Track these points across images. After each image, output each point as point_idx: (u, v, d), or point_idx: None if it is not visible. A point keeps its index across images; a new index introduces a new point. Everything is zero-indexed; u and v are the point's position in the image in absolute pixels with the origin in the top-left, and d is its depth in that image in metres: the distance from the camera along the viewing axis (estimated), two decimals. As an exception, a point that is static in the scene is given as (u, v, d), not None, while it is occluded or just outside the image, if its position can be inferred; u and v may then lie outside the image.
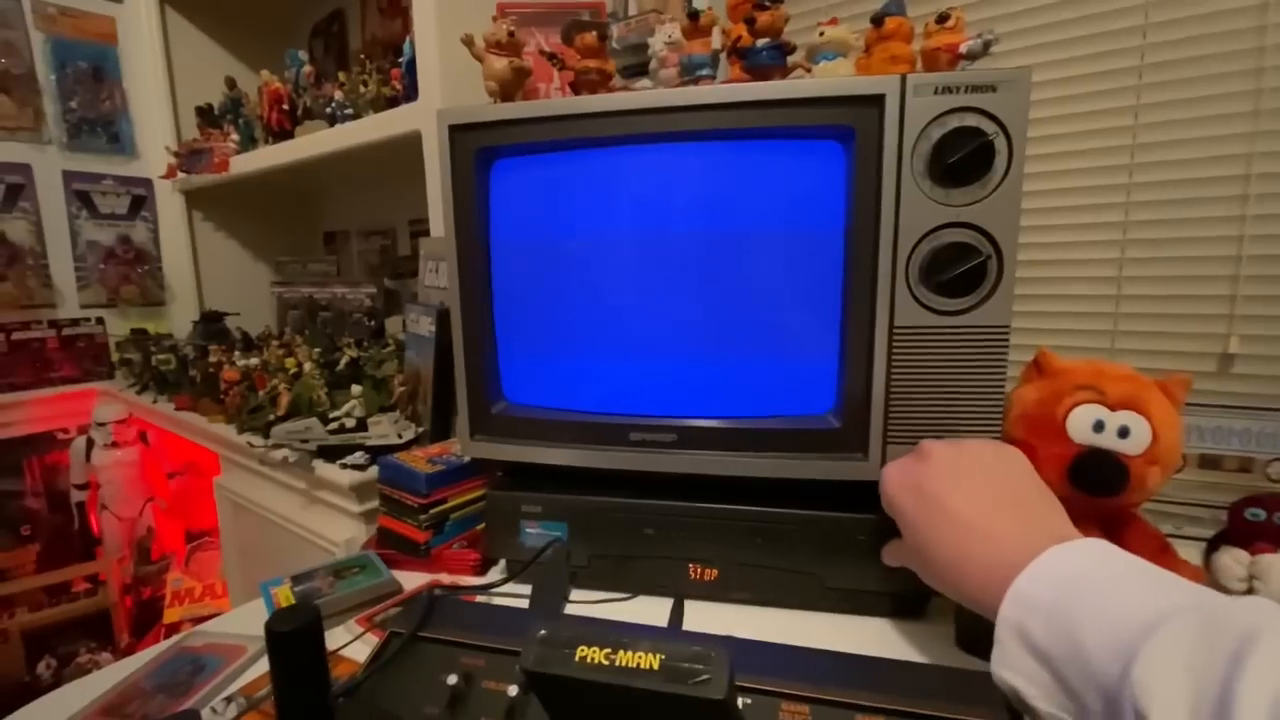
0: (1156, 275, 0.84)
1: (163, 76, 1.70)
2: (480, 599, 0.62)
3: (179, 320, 1.77)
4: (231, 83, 1.52)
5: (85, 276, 1.66)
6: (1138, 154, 0.84)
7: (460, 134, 0.61)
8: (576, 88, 0.60)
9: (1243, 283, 0.80)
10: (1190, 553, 0.61)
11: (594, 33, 0.57)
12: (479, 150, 0.62)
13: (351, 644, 0.58)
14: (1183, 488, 0.69)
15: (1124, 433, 0.53)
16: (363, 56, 1.29)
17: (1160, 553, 0.55)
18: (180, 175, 1.61)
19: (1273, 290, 0.78)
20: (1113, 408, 0.53)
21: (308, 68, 1.38)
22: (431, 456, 0.73)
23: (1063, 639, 0.33)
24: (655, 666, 0.28)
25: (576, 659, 0.29)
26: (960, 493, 0.46)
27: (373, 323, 1.57)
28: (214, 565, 1.50)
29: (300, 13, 1.88)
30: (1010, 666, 0.36)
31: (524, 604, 0.52)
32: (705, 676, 0.28)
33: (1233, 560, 0.55)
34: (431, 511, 0.69)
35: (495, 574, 0.70)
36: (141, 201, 1.74)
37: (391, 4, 1.66)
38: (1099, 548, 0.38)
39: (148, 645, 1.55)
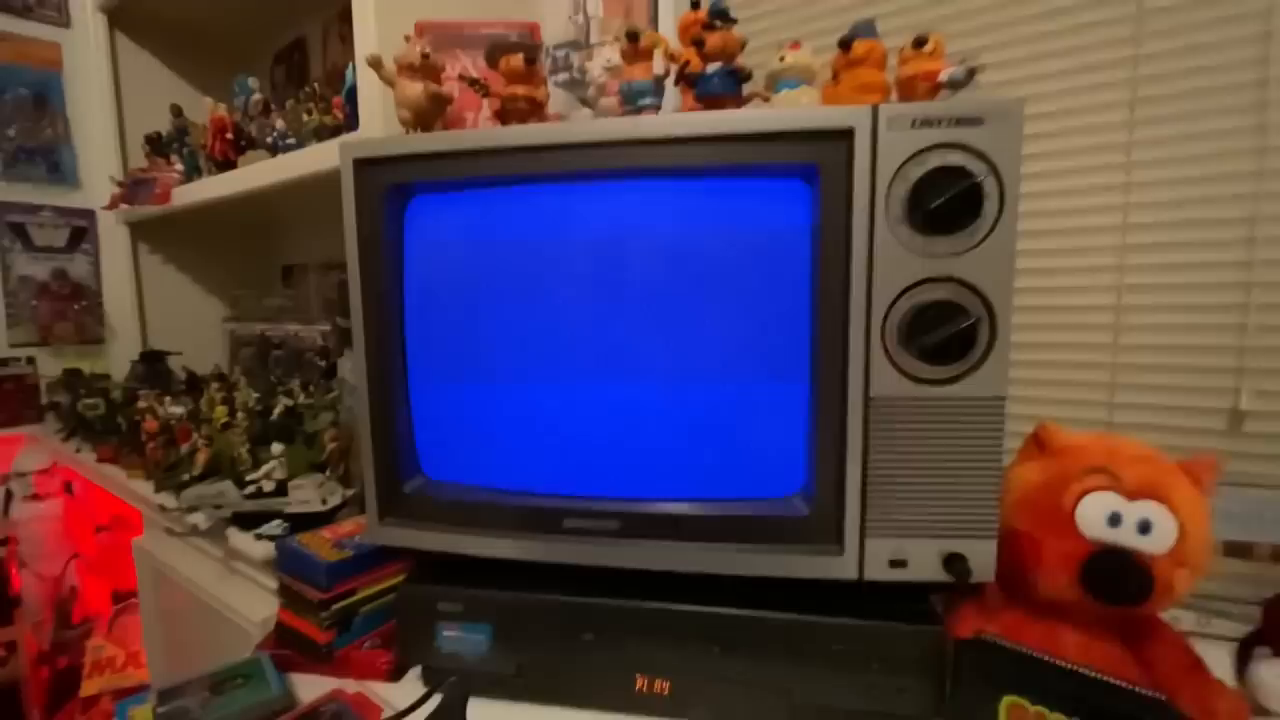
0: (1157, 323, 0.77)
1: (110, 104, 1.62)
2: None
3: (120, 360, 1.66)
4: (177, 110, 1.45)
5: (16, 314, 1.55)
6: (1132, 193, 0.77)
7: (367, 169, 0.53)
8: (503, 117, 0.52)
9: (1252, 331, 0.72)
10: (1218, 654, 0.53)
11: (520, 55, 0.49)
12: (390, 187, 0.53)
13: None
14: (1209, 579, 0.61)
15: (1145, 528, 0.44)
16: (313, 85, 1.21)
17: (1190, 671, 0.46)
18: (124, 206, 1.52)
19: (1287, 339, 0.71)
20: (1130, 496, 0.45)
21: (256, 96, 1.30)
22: (341, 538, 0.63)
23: None
24: None
25: None
26: None
27: (325, 363, 1.47)
28: (140, 630, 1.37)
29: (261, 39, 1.82)
30: None
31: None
32: None
33: (1272, 675, 0.47)
34: (334, 608, 0.58)
35: (411, 679, 0.59)
36: (82, 233, 1.64)
37: (352, 32, 1.60)
38: None
39: (61, 724, 1.40)
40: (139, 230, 1.67)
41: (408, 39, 0.52)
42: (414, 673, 0.60)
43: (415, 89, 0.51)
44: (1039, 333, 0.82)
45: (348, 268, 0.55)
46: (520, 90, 0.51)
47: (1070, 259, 0.80)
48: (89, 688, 1.35)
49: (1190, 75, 0.72)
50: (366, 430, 0.56)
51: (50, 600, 1.47)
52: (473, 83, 0.52)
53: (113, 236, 1.65)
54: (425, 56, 0.50)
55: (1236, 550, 0.56)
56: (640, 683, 0.53)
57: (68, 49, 1.62)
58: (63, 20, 1.62)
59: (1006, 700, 0.43)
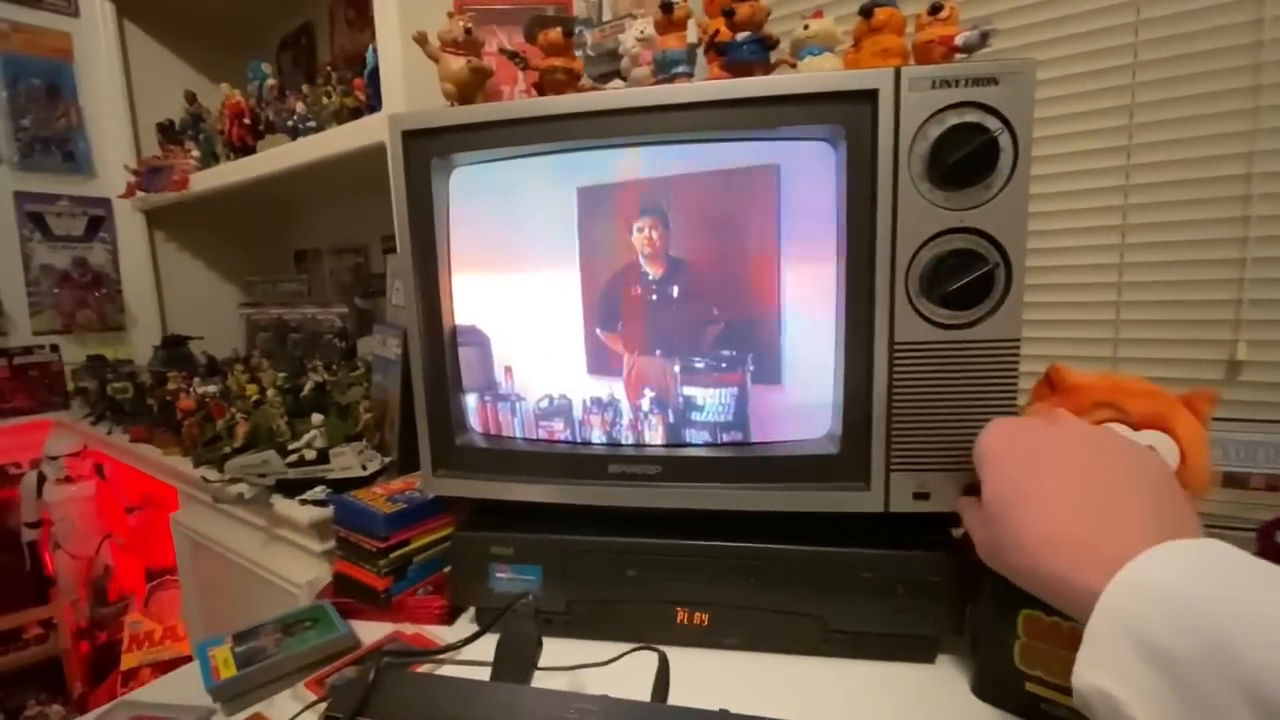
0: (1158, 280, 0.80)
1: (121, 93, 1.63)
2: (434, 666, 0.55)
3: (141, 345, 1.69)
4: (191, 97, 1.46)
5: (39, 302, 1.58)
6: (1134, 154, 0.80)
7: (415, 140, 0.56)
8: (541, 88, 0.55)
9: (1249, 285, 0.76)
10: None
11: (559, 29, 0.52)
12: (436, 157, 0.56)
13: (301, 715, 0.51)
14: (1206, 508, 0.65)
15: (1149, 455, 0.48)
16: (329, 68, 1.23)
17: (1192, 585, 0.50)
18: (139, 194, 1.54)
19: (1281, 293, 0.74)
20: (1136, 427, 0.49)
21: (270, 80, 1.32)
22: (393, 494, 0.67)
23: (1195, 638, 0.27)
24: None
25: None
26: (1093, 466, 0.38)
27: (344, 344, 1.51)
28: (176, 605, 1.41)
29: (268, 25, 1.82)
30: (1107, 668, 0.29)
31: (485, 672, 0.45)
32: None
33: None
34: (391, 556, 0.62)
35: (464, 623, 0.64)
36: (99, 222, 1.66)
37: (359, 15, 1.61)
38: (1235, 550, 0.30)
39: (102, 695, 1.45)
40: (154, 218, 1.70)
41: (450, 15, 0.54)
42: (467, 616, 0.65)
43: (459, 64, 0.54)
44: (1048, 292, 0.86)
45: (396, 235, 0.58)
46: (559, 62, 0.54)
47: (1077, 219, 0.84)
48: (128, 661, 1.40)
49: (1189, 39, 0.75)
50: (420, 388, 0.60)
51: (85, 579, 1.52)
52: (512, 56, 0.55)
53: (129, 224, 1.68)
54: (468, 32, 0.53)
55: (1235, 481, 0.60)
56: (681, 615, 0.57)
57: (78, 38, 1.63)
58: (71, 10, 1.62)
59: (1024, 613, 0.47)
